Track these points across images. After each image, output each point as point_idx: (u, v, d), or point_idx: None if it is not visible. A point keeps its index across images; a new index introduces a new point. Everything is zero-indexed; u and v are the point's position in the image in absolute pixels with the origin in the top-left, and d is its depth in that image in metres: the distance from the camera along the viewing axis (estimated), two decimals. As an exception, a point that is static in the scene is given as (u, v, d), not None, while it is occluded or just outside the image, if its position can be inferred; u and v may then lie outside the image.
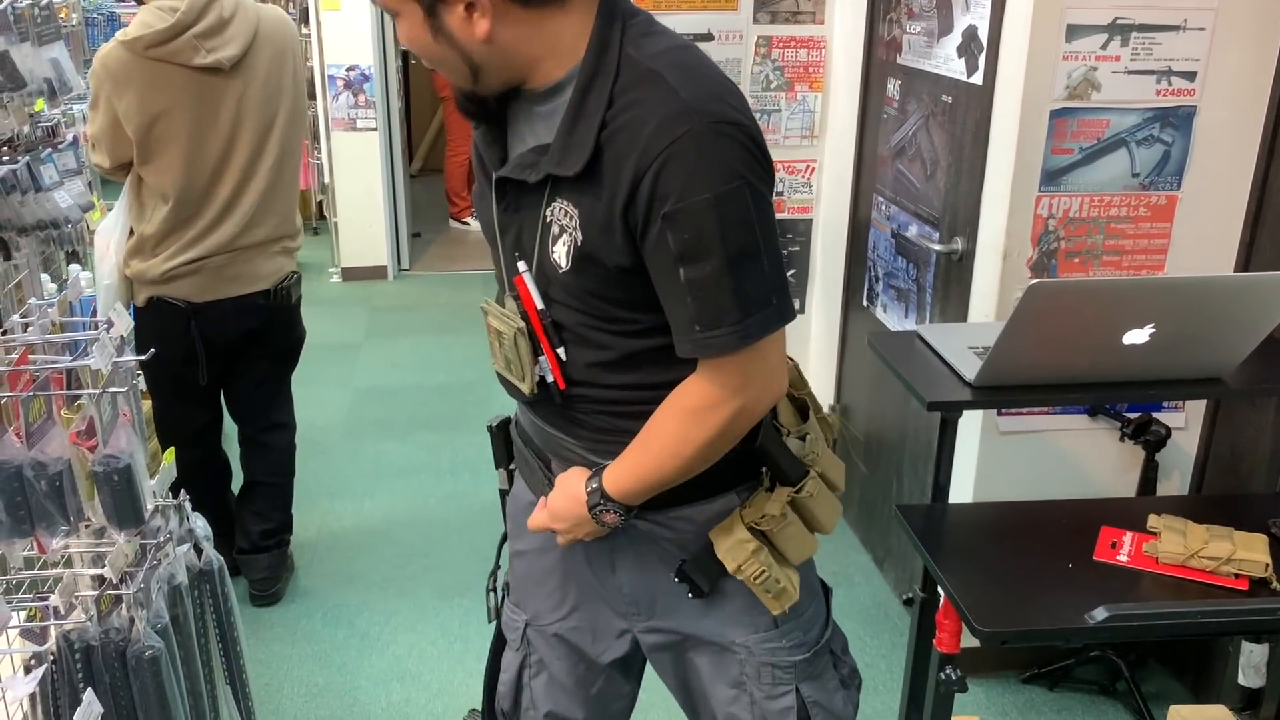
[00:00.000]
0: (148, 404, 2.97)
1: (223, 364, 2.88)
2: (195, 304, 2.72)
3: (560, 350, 1.34)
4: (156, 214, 2.65)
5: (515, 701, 1.65)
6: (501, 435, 1.61)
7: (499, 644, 1.68)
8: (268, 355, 2.95)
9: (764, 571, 1.36)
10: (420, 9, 1.20)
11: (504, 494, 1.65)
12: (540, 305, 1.32)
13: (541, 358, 1.35)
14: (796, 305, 3.67)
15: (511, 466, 1.61)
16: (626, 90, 1.21)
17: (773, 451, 1.36)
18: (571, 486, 1.40)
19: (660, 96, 1.19)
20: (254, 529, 3.04)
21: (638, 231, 1.22)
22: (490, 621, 1.69)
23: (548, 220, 1.29)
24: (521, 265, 1.33)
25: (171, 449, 2.14)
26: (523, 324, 1.34)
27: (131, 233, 2.70)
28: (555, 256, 1.29)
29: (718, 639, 1.48)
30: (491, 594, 1.68)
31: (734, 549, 1.36)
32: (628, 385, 1.35)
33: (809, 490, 1.38)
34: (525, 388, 1.37)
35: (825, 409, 1.59)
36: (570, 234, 1.26)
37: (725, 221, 1.18)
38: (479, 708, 1.80)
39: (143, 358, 1.69)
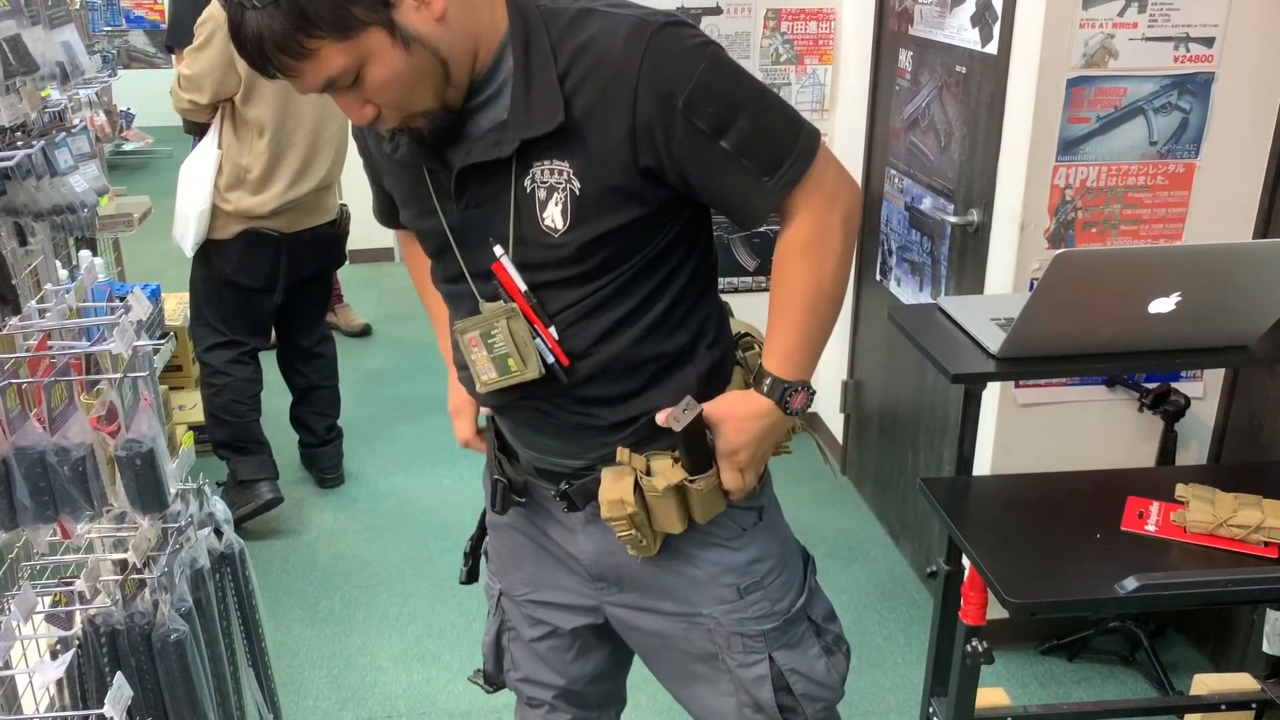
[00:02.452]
0: (163, 387, 2.98)
1: (290, 287, 3.31)
2: (285, 234, 3.18)
3: (552, 329, 1.32)
4: (256, 147, 3.06)
5: (498, 663, 1.69)
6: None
7: None
8: (324, 277, 3.47)
9: (630, 533, 1.38)
10: (380, 29, 1.14)
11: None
12: (524, 287, 1.31)
13: (538, 339, 1.32)
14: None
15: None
16: (565, 38, 1.23)
17: (693, 438, 1.34)
18: (737, 406, 1.35)
19: (607, 26, 1.22)
20: (318, 426, 3.60)
21: (660, 142, 1.23)
22: (461, 584, 1.69)
23: (529, 190, 1.26)
24: (498, 250, 1.30)
25: (190, 433, 2.15)
26: (513, 306, 1.31)
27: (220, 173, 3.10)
28: (549, 221, 1.27)
29: (685, 609, 1.48)
30: (467, 557, 1.67)
31: (613, 504, 1.36)
32: (637, 339, 1.34)
33: (700, 485, 1.36)
34: (531, 371, 1.33)
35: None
36: (563, 189, 1.25)
37: (729, 76, 1.24)
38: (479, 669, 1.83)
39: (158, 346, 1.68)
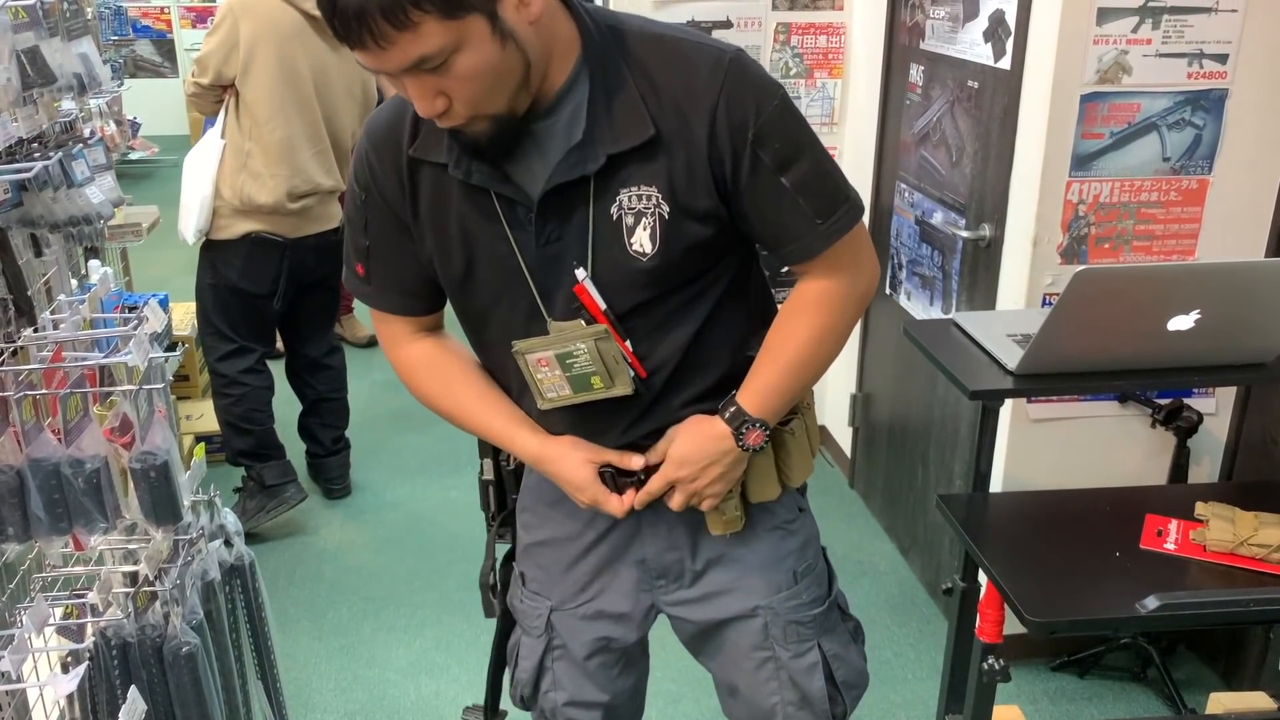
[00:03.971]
0: (171, 398, 2.97)
1: (294, 294, 3.33)
2: (289, 239, 3.20)
3: (628, 342, 1.34)
4: (256, 130, 3.12)
5: (536, 686, 1.64)
6: None
7: (502, 639, 1.69)
8: (329, 285, 3.42)
9: (728, 498, 1.40)
10: (483, 17, 1.12)
11: (487, 484, 1.62)
12: (604, 306, 1.31)
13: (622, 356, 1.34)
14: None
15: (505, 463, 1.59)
16: (643, 61, 1.25)
17: None
18: (700, 425, 1.38)
19: (685, 50, 1.25)
20: (325, 438, 3.60)
21: (728, 170, 1.26)
22: (489, 617, 1.67)
23: (614, 216, 1.27)
24: (580, 273, 1.30)
25: (201, 444, 2.14)
26: (600, 329, 1.31)
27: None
28: (637, 245, 1.28)
29: (740, 607, 1.49)
30: (491, 590, 1.66)
31: None
32: (707, 342, 1.38)
33: (793, 428, 1.41)
34: (621, 387, 1.34)
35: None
36: (652, 214, 1.27)
37: (796, 118, 1.28)
38: (475, 704, 1.81)
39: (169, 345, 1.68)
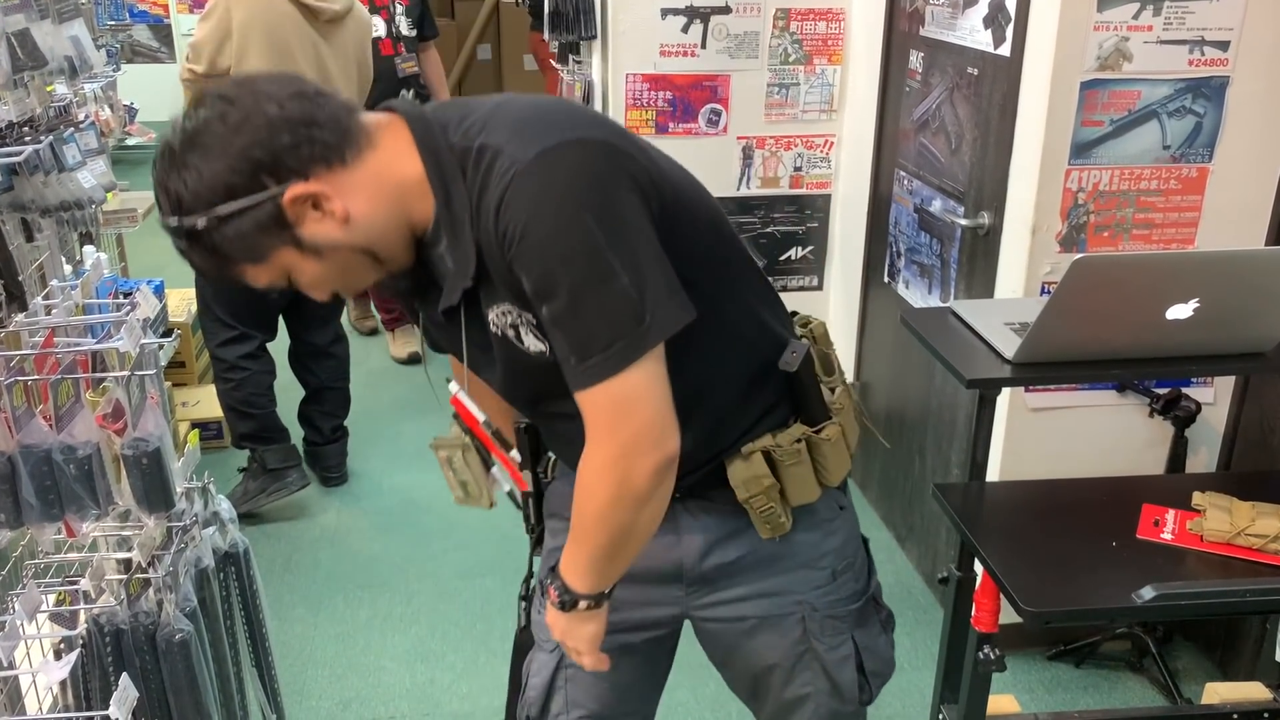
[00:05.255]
0: (166, 384, 2.96)
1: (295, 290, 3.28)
2: None
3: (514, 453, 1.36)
4: None
5: (544, 707, 1.60)
6: (531, 435, 1.52)
7: (520, 656, 1.65)
8: None
9: (770, 507, 1.38)
10: (289, 246, 1.18)
11: (526, 496, 1.59)
12: (482, 418, 1.35)
13: (494, 467, 1.35)
14: (814, 282, 3.65)
15: (548, 459, 1.56)
16: (474, 180, 1.19)
17: (807, 384, 1.37)
18: (550, 592, 1.37)
19: (492, 163, 1.17)
20: (325, 426, 3.61)
21: (519, 281, 1.20)
22: (523, 626, 1.64)
23: (500, 332, 1.28)
24: (453, 386, 1.35)
25: (195, 431, 2.13)
26: (465, 440, 1.34)
27: None
28: (531, 347, 1.26)
29: (780, 598, 1.48)
30: (523, 601, 1.64)
31: (750, 481, 1.37)
32: (687, 399, 1.32)
33: (828, 434, 1.39)
34: (478, 502, 1.39)
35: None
36: (525, 322, 1.25)
37: (564, 255, 1.14)
38: None
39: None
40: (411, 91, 4.22)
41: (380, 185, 1.20)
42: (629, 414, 1.20)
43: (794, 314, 1.50)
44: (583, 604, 1.35)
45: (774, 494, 1.39)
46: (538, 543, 1.61)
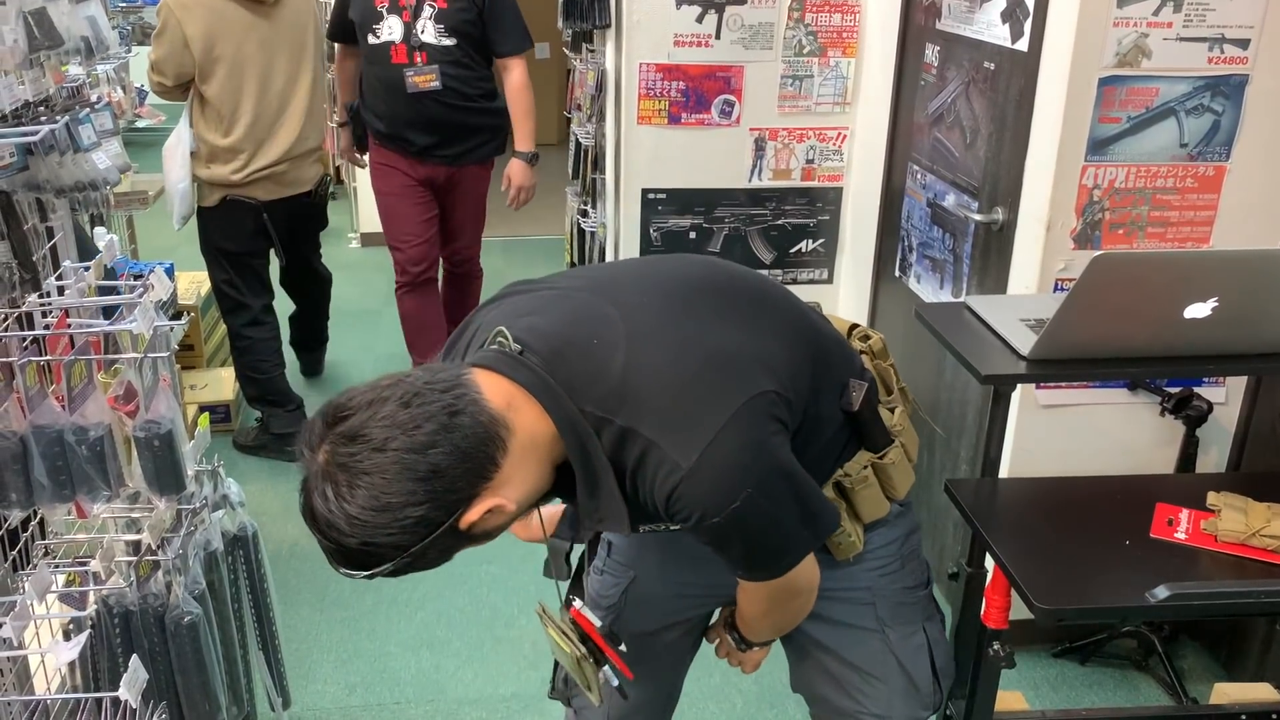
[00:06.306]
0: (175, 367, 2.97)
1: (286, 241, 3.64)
2: (264, 202, 3.45)
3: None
4: (222, 126, 3.33)
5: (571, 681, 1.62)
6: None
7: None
8: (310, 239, 3.89)
9: (840, 529, 1.40)
10: (470, 543, 1.22)
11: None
12: (598, 623, 1.42)
13: (607, 665, 1.40)
14: (824, 275, 3.64)
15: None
16: (617, 454, 1.22)
17: (869, 419, 1.41)
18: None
19: (645, 457, 1.20)
20: (318, 325, 4.23)
21: None
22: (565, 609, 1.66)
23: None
24: (578, 602, 1.43)
25: (205, 414, 2.13)
26: (579, 654, 1.38)
27: (193, 153, 3.38)
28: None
29: (849, 586, 1.51)
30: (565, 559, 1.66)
31: None
32: None
33: (891, 458, 1.43)
34: (592, 695, 1.42)
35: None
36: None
37: (740, 532, 1.24)
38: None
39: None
40: (426, 107, 3.64)
41: (527, 462, 1.21)
42: (793, 593, 1.39)
43: (854, 326, 1.53)
44: (756, 648, 1.56)
45: (847, 518, 1.43)
46: (574, 581, 1.63)
